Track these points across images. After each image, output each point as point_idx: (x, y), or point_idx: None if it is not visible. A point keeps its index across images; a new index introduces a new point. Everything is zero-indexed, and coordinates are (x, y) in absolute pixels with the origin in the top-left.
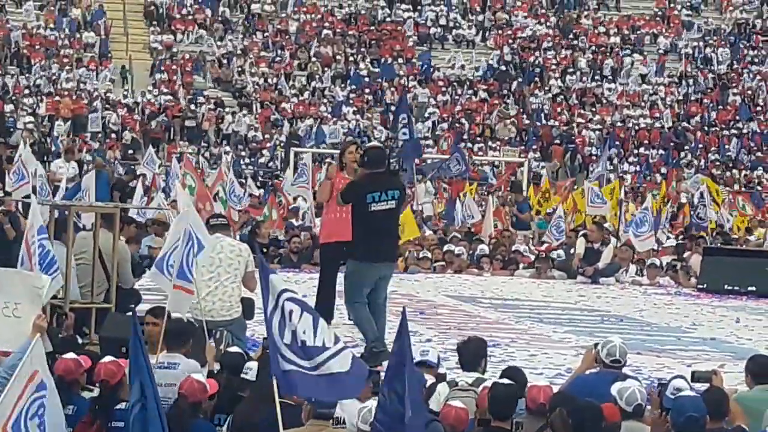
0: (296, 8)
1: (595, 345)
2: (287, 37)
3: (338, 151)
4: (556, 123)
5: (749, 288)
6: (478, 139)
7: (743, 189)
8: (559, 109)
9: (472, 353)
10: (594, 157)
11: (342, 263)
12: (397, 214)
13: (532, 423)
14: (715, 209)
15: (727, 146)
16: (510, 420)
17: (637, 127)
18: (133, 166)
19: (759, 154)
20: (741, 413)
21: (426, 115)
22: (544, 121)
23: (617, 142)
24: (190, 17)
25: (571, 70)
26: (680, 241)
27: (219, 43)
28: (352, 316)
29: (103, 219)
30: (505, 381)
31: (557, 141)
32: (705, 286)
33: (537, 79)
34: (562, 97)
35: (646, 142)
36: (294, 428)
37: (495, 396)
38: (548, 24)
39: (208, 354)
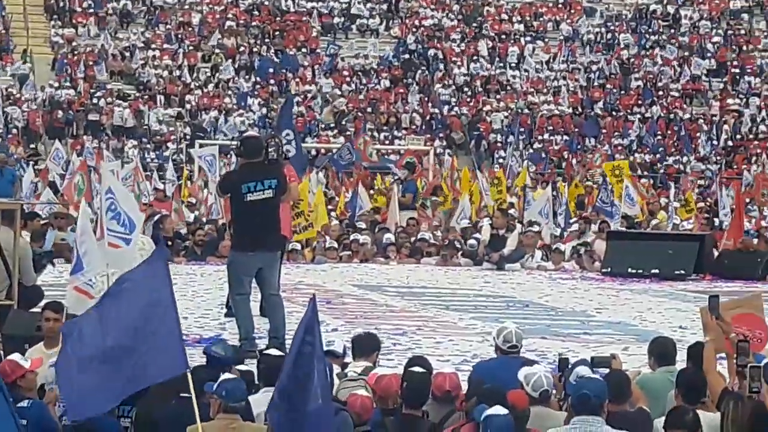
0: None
1: None
2: (190, 29)
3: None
4: (465, 111)
5: (653, 271)
6: (384, 128)
7: (647, 173)
8: (465, 97)
9: (364, 343)
10: (499, 144)
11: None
12: (275, 203)
13: (437, 410)
14: (617, 194)
15: (630, 130)
16: (421, 408)
17: (540, 114)
18: (34, 161)
19: (659, 137)
20: (643, 395)
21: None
22: (449, 110)
23: (522, 129)
24: (91, 10)
25: (475, 57)
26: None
27: (121, 36)
28: (233, 309)
29: (3, 215)
30: (418, 369)
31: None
32: (609, 270)
33: (442, 67)
34: (466, 85)
35: (550, 128)
36: (203, 423)
37: (409, 384)
38: (452, 12)
39: None
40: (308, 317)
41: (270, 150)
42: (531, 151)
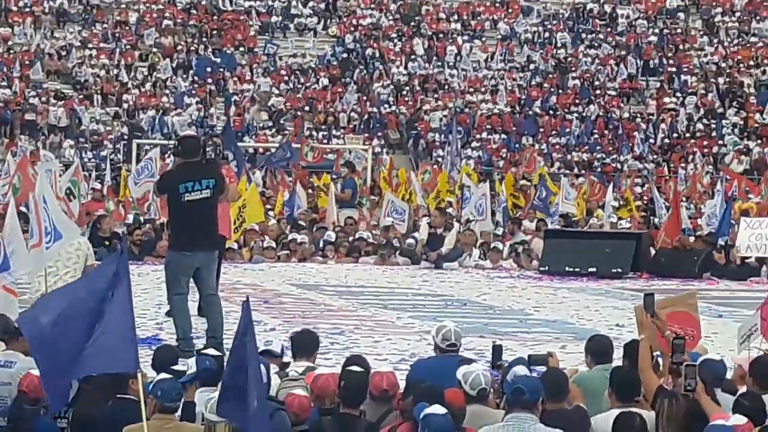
0: None
1: None
2: (127, 28)
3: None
4: (403, 110)
5: (590, 269)
6: (323, 127)
7: (585, 171)
8: (403, 96)
9: (304, 342)
10: (437, 143)
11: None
12: (212, 203)
13: (375, 409)
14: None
15: (567, 129)
16: (359, 407)
17: (480, 113)
18: None
19: (596, 136)
20: (579, 393)
21: (270, 104)
22: (388, 108)
23: (460, 128)
24: (27, 9)
25: (413, 57)
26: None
27: (57, 35)
28: (170, 308)
29: None
30: (356, 368)
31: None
32: (547, 268)
33: (380, 66)
34: (405, 85)
35: (488, 127)
36: (138, 423)
37: (347, 383)
38: (389, 12)
39: None
40: (243, 319)
41: (208, 150)
42: (468, 150)
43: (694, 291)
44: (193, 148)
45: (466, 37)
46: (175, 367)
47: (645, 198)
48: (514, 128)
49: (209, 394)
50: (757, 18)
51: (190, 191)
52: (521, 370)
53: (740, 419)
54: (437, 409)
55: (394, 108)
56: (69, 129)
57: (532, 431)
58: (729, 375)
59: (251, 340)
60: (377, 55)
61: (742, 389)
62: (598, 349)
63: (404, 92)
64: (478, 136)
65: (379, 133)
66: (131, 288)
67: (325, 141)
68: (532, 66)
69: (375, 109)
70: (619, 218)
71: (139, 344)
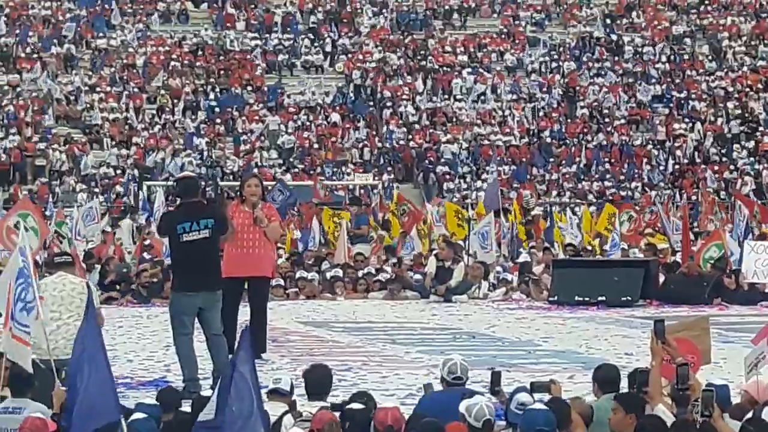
0: (143, 41)
1: None
2: (134, 71)
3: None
4: (413, 144)
5: (599, 298)
6: (332, 163)
7: (596, 200)
8: (413, 130)
9: (318, 381)
10: (448, 176)
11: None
12: (212, 242)
13: None
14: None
15: (577, 158)
16: None
17: (497, 145)
18: None
19: (608, 165)
20: (581, 422)
21: (279, 142)
22: (399, 143)
23: (470, 161)
24: (35, 55)
25: (420, 90)
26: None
27: (65, 79)
28: (176, 349)
29: None
30: (357, 406)
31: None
32: (556, 298)
33: (388, 101)
34: (415, 123)
35: (498, 158)
36: None
37: (351, 422)
38: (396, 47)
39: (56, 397)
40: (241, 350)
41: (208, 189)
42: (479, 182)
43: (707, 315)
44: (191, 188)
45: (471, 69)
46: (180, 409)
47: (658, 225)
48: (523, 159)
49: None
50: (765, 42)
51: (188, 231)
52: (524, 397)
53: None
54: None
55: (402, 142)
56: (77, 173)
57: None
58: (735, 401)
59: (252, 368)
60: (387, 94)
61: (749, 415)
62: (605, 377)
63: (413, 126)
64: (488, 168)
65: (389, 168)
66: (101, 336)
67: (335, 177)
68: (539, 96)
69: (384, 145)
70: (629, 246)
71: (146, 386)
